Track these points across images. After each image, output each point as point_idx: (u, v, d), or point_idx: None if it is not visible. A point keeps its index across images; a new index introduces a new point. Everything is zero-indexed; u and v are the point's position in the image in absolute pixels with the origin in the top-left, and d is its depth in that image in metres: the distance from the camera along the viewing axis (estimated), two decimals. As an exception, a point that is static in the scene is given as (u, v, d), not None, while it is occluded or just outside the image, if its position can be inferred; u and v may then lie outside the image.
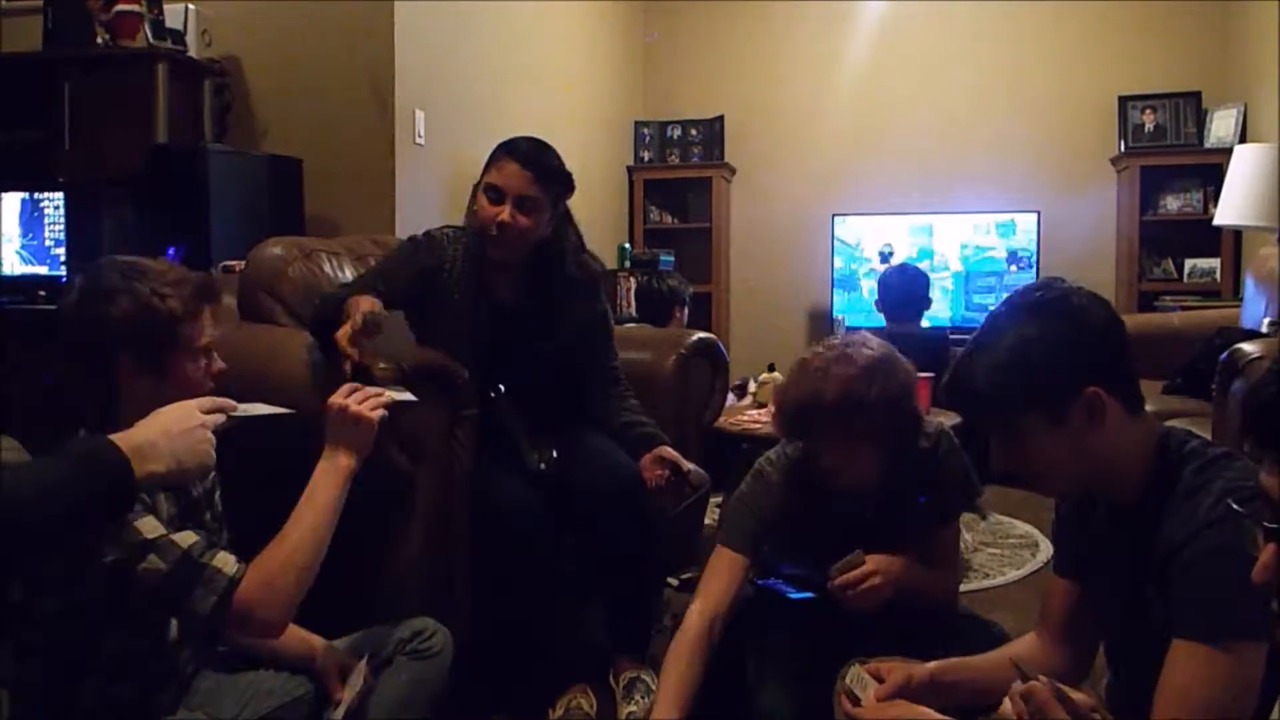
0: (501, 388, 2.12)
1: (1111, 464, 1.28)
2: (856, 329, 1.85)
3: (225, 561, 1.38)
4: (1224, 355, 2.52)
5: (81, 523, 1.21)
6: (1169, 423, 1.37)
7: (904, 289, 4.10)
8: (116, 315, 1.44)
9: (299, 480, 1.54)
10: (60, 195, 3.59)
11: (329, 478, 1.52)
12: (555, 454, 2.14)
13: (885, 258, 5.53)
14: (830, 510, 1.87)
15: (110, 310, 1.44)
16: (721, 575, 1.81)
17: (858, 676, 1.52)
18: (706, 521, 2.98)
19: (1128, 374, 1.30)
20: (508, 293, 2.29)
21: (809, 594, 1.92)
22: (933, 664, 1.48)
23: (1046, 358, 1.25)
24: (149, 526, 1.36)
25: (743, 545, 1.83)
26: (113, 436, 1.19)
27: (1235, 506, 1.15)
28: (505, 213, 2.16)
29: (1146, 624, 1.25)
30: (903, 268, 4.39)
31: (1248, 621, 1.14)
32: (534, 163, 2.20)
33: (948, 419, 2.20)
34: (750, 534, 1.85)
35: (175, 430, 1.24)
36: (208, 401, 1.31)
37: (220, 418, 1.30)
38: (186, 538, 1.37)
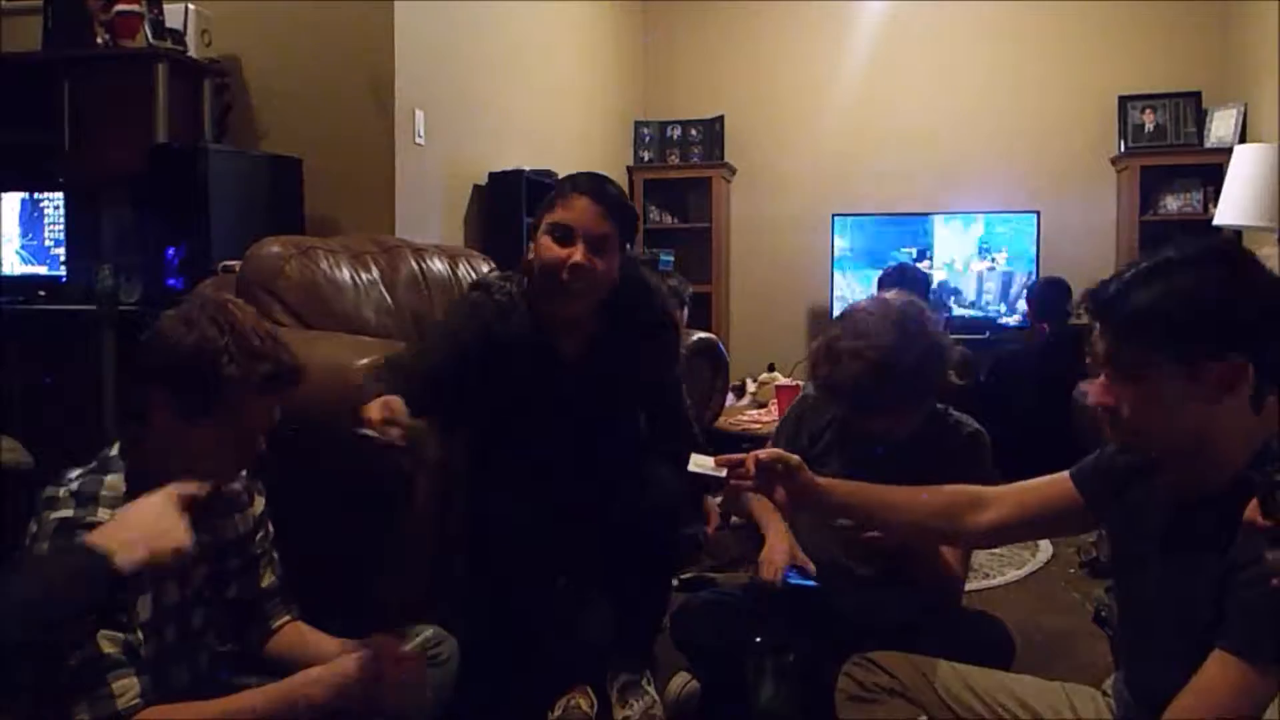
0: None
1: (1208, 448, 1.24)
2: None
3: (126, 690, 1.31)
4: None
5: (65, 624, 1.26)
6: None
7: (903, 289, 4.09)
8: (168, 352, 1.41)
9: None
10: (60, 195, 3.60)
11: (299, 693, 1.42)
12: None
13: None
14: (863, 457, 1.95)
15: (166, 344, 1.42)
16: None
17: None
18: (706, 521, 2.97)
19: (1271, 367, 1.23)
20: (571, 348, 2.06)
21: (809, 583, 1.93)
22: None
23: (1219, 306, 1.19)
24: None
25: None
26: (90, 536, 1.24)
27: None
28: (578, 253, 1.91)
29: (1179, 621, 1.24)
30: (902, 268, 4.39)
31: None
32: (604, 196, 1.97)
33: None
34: (791, 438, 2.03)
35: (151, 528, 1.26)
36: (178, 493, 1.32)
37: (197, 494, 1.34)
38: (110, 642, 1.32)
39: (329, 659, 1.53)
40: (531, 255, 2.00)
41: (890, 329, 1.81)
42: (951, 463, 1.91)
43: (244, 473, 1.63)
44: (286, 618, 1.67)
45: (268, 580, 1.65)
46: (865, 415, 1.90)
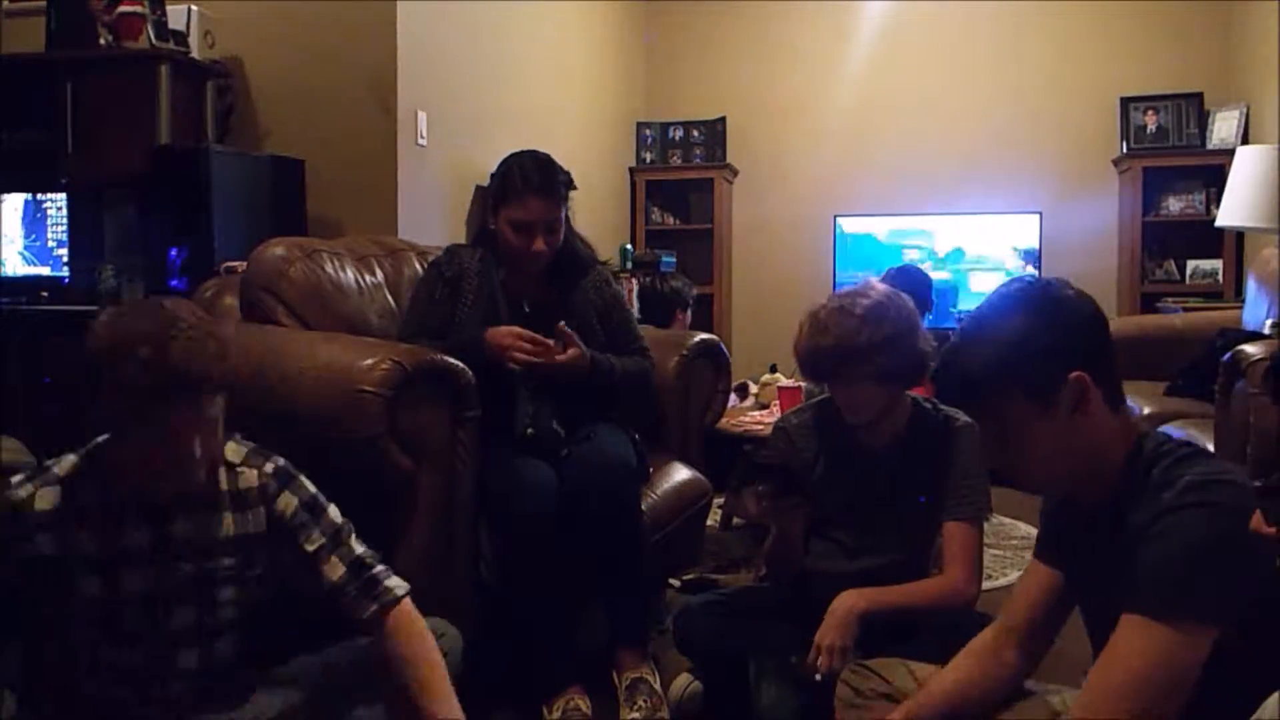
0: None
1: (1092, 457, 1.29)
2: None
3: (393, 581, 1.55)
4: (1226, 356, 2.51)
5: None
6: (1170, 424, 1.38)
7: (906, 291, 4.10)
8: (93, 351, 1.39)
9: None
10: (63, 196, 3.60)
11: None
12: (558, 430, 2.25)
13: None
14: (858, 465, 1.98)
15: (92, 344, 1.39)
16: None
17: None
18: (709, 523, 2.98)
19: (1111, 367, 1.31)
20: (527, 293, 2.38)
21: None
22: (908, 705, 1.47)
23: (1032, 344, 1.27)
24: (315, 540, 1.51)
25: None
26: None
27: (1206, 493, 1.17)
28: (539, 243, 2.28)
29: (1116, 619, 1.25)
30: (905, 269, 4.39)
31: (1199, 603, 1.15)
32: (551, 189, 2.29)
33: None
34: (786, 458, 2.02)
35: None
36: None
37: None
38: (352, 550, 1.54)
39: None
40: (492, 227, 2.34)
41: (873, 292, 1.93)
42: (947, 456, 1.94)
43: (258, 469, 1.56)
44: (374, 607, 1.56)
45: (337, 573, 1.55)
46: (847, 380, 1.89)
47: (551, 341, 2.19)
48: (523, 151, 2.37)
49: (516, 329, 2.19)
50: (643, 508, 2.34)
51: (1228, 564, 1.13)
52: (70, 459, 1.45)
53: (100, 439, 1.47)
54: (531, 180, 2.28)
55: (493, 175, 2.38)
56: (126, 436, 1.41)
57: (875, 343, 1.85)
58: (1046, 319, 1.28)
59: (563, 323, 2.22)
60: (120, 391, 1.35)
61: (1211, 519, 1.15)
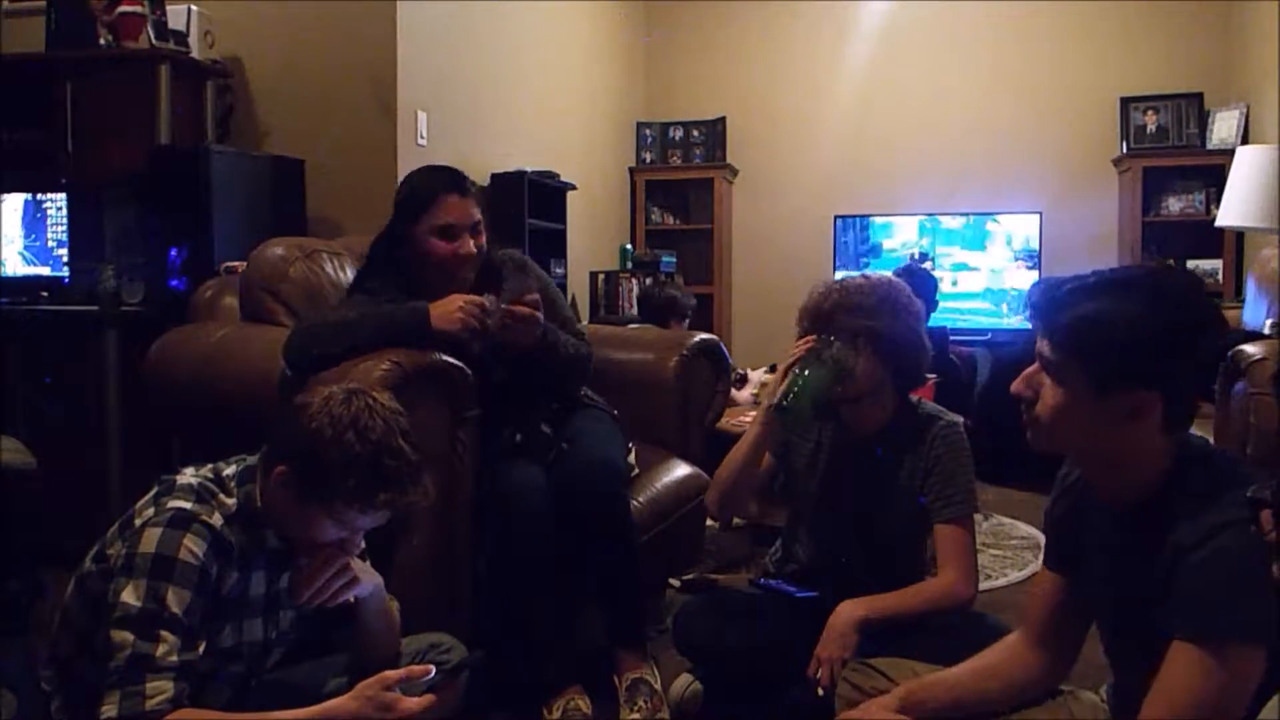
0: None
1: (1119, 461, 1.28)
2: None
3: (159, 691, 1.33)
4: (1226, 356, 2.51)
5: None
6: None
7: (911, 290, 4.13)
8: (306, 438, 1.41)
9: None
10: (63, 196, 3.59)
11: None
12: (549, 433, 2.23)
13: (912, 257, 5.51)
14: (840, 454, 1.99)
15: (306, 430, 1.41)
16: None
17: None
18: (709, 523, 2.98)
19: (1187, 396, 1.27)
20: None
21: (813, 593, 1.93)
22: (901, 692, 1.48)
23: (1136, 343, 1.21)
24: (175, 600, 1.35)
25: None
26: None
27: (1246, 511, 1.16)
28: (466, 245, 2.18)
29: (1148, 627, 1.24)
30: (910, 269, 4.41)
31: (1248, 625, 1.14)
32: (468, 188, 2.21)
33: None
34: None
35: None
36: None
37: None
38: (166, 644, 1.34)
39: None
40: (407, 251, 2.19)
41: (882, 280, 2.01)
42: (931, 455, 1.94)
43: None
44: None
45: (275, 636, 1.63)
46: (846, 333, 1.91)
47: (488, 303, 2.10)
48: (420, 168, 2.30)
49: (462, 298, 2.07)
50: (641, 501, 2.34)
51: (1267, 580, 1.13)
52: (223, 502, 1.46)
53: (230, 469, 1.49)
54: (442, 182, 2.20)
55: (395, 197, 2.26)
56: (318, 520, 1.44)
57: (875, 304, 1.91)
58: (1158, 326, 1.21)
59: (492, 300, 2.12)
60: (339, 492, 1.40)
61: (1250, 537, 1.14)
